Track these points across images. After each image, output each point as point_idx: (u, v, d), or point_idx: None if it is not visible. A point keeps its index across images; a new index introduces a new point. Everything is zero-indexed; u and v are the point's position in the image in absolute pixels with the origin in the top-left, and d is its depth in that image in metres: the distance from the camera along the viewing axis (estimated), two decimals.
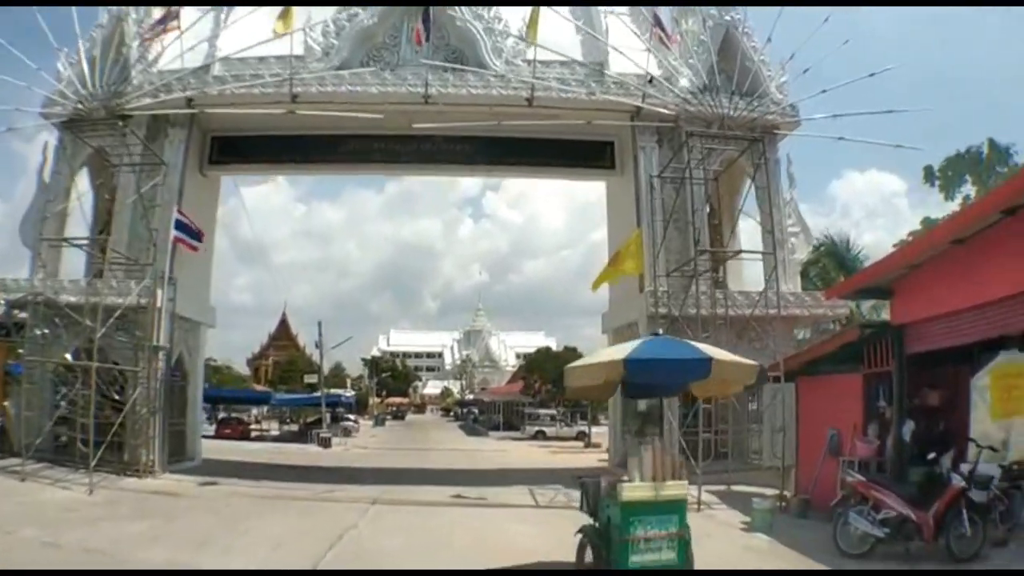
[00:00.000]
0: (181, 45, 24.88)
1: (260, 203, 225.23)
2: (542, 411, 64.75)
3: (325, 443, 46.83)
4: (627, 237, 24.01)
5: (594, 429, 55.75)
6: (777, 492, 18.63)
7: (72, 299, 23.27)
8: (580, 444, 53.16)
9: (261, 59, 25.52)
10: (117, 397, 23.30)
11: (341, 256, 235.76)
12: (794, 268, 25.47)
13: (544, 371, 66.11)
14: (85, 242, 24.57)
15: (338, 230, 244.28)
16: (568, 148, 27.47)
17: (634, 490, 9.74)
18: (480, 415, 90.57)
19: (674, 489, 9.88)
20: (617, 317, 27.31)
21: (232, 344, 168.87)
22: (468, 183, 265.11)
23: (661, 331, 13.50)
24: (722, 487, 20.59)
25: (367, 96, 24.67)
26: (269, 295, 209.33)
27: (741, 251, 23.90)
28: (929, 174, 31.75)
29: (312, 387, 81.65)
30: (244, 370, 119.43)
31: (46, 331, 23.44)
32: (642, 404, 24.09)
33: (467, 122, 25.20)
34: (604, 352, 10.71)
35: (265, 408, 69.29)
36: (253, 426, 63.28)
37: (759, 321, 22.87)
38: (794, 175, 25.44)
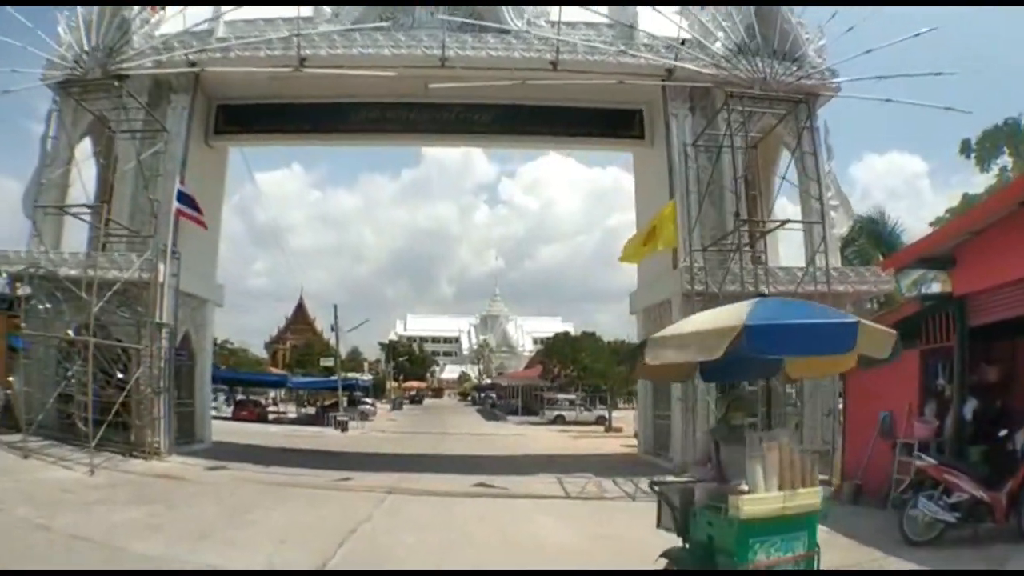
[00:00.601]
0: (184, 12, 23.50)
1: (275, 189, 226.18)
2: (561, 396, 63.53)
3: (342, 426, 45.98)
4: (657, 211, 22.37)
5: (614, 414, 54.60)
6: (823, 477, 16.99)
7: (72, 272, 21.83)
8: (601, 428, 51.96)
9: (268, 21, 23.87)
10: (120, 375, 22.04)
11: (357, 241, 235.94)
12: (835, 243, 23.64)
13: (563, 355, 65.22)
14: (83, 210, 22.78)
15: (353, 216, 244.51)
16: (594, 116, 25.73)
17: (758, 502, 6.71)
18: (498, 400, 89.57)
19: (806, 498, 7.02)
20: (648, 296, 25.60)
21: (250, 327, 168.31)
22: (483, 169, 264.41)
23: (767, 293, 11.36)
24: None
25: (379, 58, 22.89)
26: (286, 280, 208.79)
27: (787, 220, 21.98)
28: (966, 146, 30.37)
29: (329, 370, 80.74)
30: (262, 353, 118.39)
31: (48, 305, 22.14)
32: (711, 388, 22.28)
33: (488, 77, 23.28)
34: (698, 319, 7.37)
35: (283, 391, 67.80)
36: (271, 409, 62.80)
37: (801, 299, 21.01)
38: (832, 146, 23.47)
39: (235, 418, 52.25)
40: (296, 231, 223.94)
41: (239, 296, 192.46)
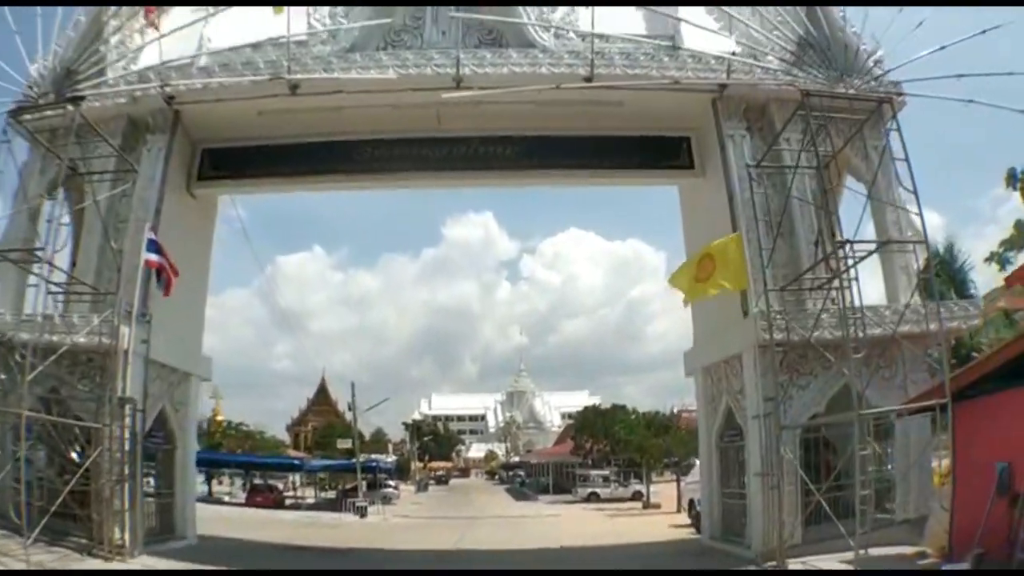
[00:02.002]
0: (160, 46, 20.03)
1: (296, 271, 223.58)
2: (594, 472, 60.33)
3: (361, 512, 42.77)
4: (703, 247, 18.60)
5: (652, 487, 51.29)
6: (917, 549, 14.81)
7: (24, 336, 17.82)
8: (638, 505, 49.19)
9: (255, 46, 20.25)
10: (76, 458, 18.05)
11: (380, 322, 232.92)
12: (912, 276, 19.56)
13: (594, 430, 61.79)
14: (29, 259, 18.63)
15: (376, 296, 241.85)
16: (634, 145, 21.72)
17: None
18: (527, 478, 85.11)
19: None
20: (709, 352, 21.29)
21: (275, 410, 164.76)
22: (504, 246, 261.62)
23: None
24: (847, 554, 15.17)
25: (384, 81, 19.25)
26: (310, 362, 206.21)
27: (888, 241, 17.66)
28: (1012, 177, 27.26)
29: (350, 452, 77.71)
30: (284, 436, 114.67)
31: (1, 376, 18.42)
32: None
33: (509, 106, 19.89)
34: None
35: (303, 475, 64.03)
36: (289, 494, 59.65)
37: (886, 343, 17.17)
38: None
39: (249, 504, 49.63)
40: (319, 313, 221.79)
41: (263, 379, 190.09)
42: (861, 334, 16.83)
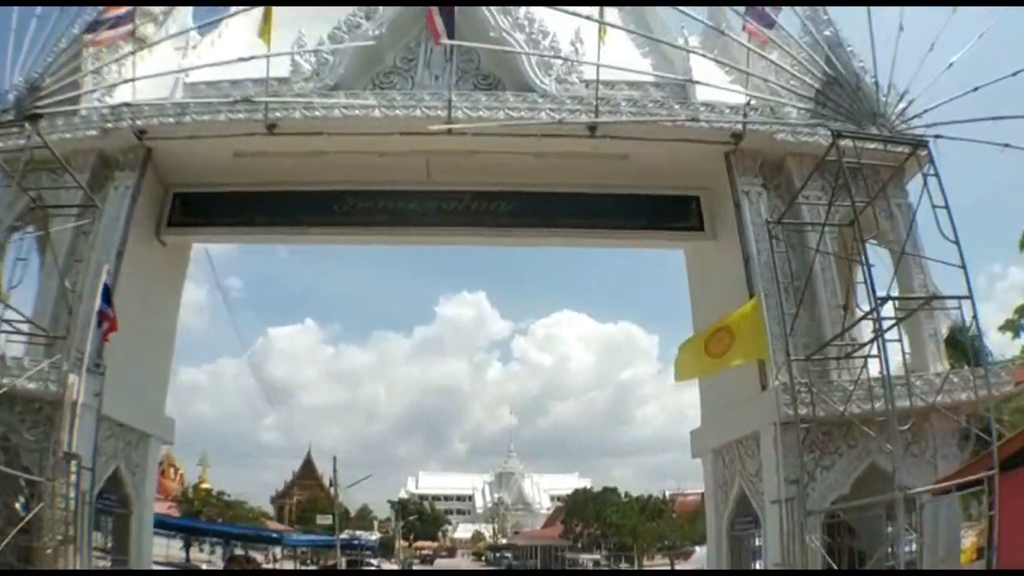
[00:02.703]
0: (134, 85, 18.30)
1: (288, 344, 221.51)
2: (583, 556, 57.86)
3: None
4: (718, 315, 16.69)
5: None
6: None
7: None
8: None
9: (235, 82, 18.75)
10: (20, 511, 15.95)
11: (369, 399, 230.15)
12: (940, 343, 17.65)
13: (585, 513, 59.39)
14: None
15: (367, 373, 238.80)
16: (639, 204, 19.70)
17: None
18: (514, 560, 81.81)
19: None
20: (720, 431, 18.90)
21: (261, 482, 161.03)
22: (497, 326, 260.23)
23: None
24: None
25: (368, 123, 17.53)
26: (298, 436, 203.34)
27: (933, 297, 15.52)
28: None
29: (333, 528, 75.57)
30: (269, 508, 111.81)
31: None
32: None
33: (504, 157, 18.28)
34: None
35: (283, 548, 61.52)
36: (268, 566, 58.21)
37: (913, 416, 14.91)
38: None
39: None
40: (309, 387, 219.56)
41: (251, 449, 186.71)
42: (890, 406, 14.94)
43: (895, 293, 15.44)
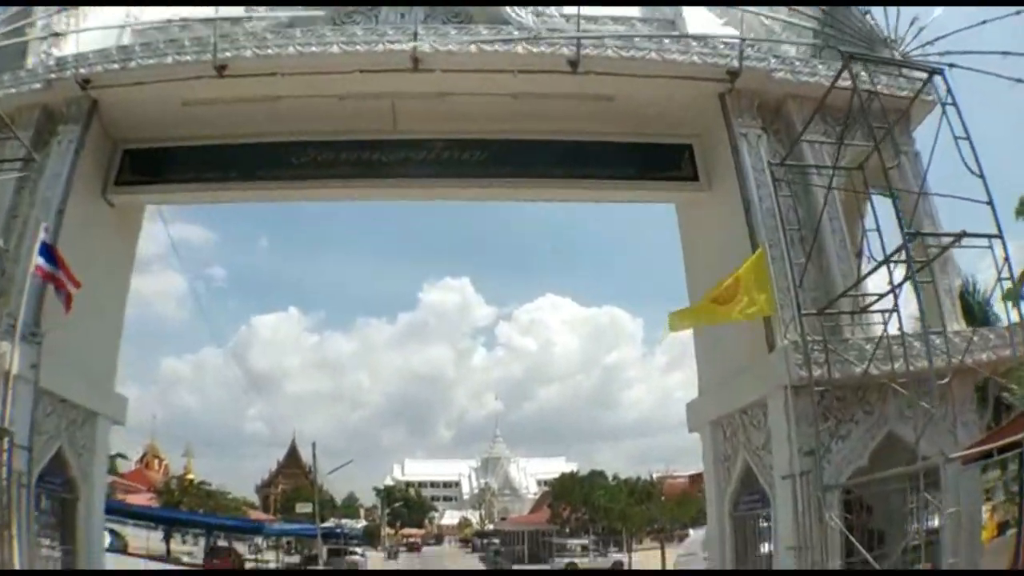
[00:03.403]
0: (78, 37, 17.16)
1: (271, 332, 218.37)
2: (571, 540, 56.09)
3: None
4: (721, 270, 14.76)
5: (634, 556, 47.82)
6: None
7: None
8: None
9: (184, 24, 17.00)
10: None
11: (353, 386, 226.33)
12: (955, 300, 16.10)
13: (572, 498, 58.66)
14: None
15: (351, 360, 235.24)
16: (626, 153, 17.87)
17: None
18: (502, 547, 79.97)
19: None
20: (720, 401, 17.02)
21: (247, 472, 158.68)
22: (481, 312, 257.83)
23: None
24: None
25: (326, 61, 15.71)
26: (283, 425, 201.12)
27: (963, 234, 13.62)
28: None
29: (321, 518, 73.93)
30: (255, 498, 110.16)
31: None
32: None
33: (478, 100, 16.58)
34: None
35: (270, 538, 59.79)
36: (251, 557, 56.04)
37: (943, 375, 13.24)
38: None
39: (206, 566, 47.00)
40: (293, 375, 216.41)
41: (236, 440, 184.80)
42: (912, 367, 13.26)
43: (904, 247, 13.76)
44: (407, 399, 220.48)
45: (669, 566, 37.34)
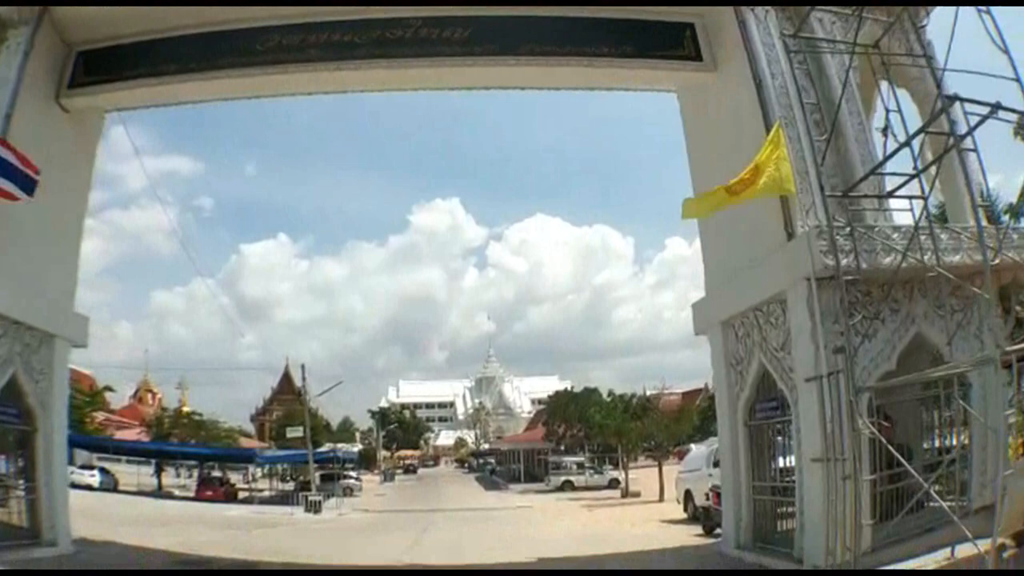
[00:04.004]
0: None
1: (261, 260, 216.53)
2: (567, 458, 55.63)
3: (315, 508, 37.66)
4: (725, 163, 13.33)
5: (631, 474, 46.19)
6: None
7: None
8: (616, 494, 44.85)
9: None
10: None
11: (346, 311, 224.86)
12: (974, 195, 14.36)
13: (567, 414, 57.20)
14: None
15: (342, 285, 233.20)
16: (624, 30, 16.03)
17: None
18: (498, 466, 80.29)
19: None
20: (731, 298, 15.36)
21: (242, 401, 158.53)
22: (472, 233, 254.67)
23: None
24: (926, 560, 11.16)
25: None
26: (277, 353, 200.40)
27: (998, 107, 11.79)
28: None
29: (315, 442, 72.63)
30: (250, 427, 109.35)
31: None
32: None
33: None
34: None
35: (264, 466, 58.69)
36: (245, 486, 54.66)
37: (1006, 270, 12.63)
38: None
39: (199, 498, 45.02)
40: (285, 303, 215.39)
41: (230, 370, 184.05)
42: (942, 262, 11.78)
43: (919, 136, 12.03)
44: (400, 322, 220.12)
45: (668, 484, 36.13)
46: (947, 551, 11.19)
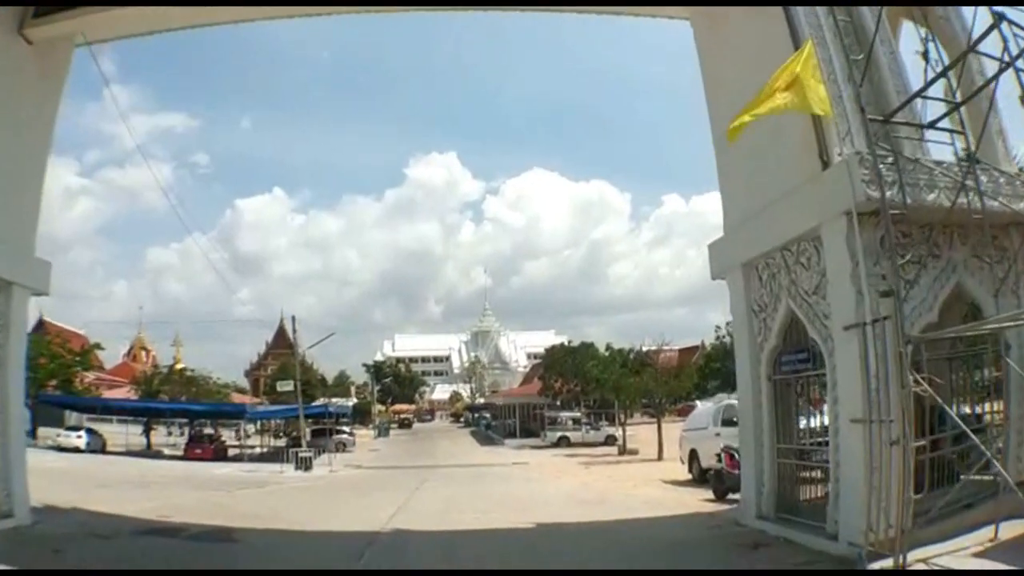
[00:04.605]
0: None
1: (256, 216, 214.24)
2: (563, 414, 54.72)
3: (305, 465, 36.48)
4: (747, 96, 10.99)
5: (628, 431, 45.58)
6: None
7: None
8: (613, 451, 44.09)
9: None
10: None
11: (342, 265, 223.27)
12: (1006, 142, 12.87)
13: (564, 368, 56.63)
14: None
15: (338, 239, 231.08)
16: None
17: None
18: (493, 420, 78.84)
19: None
20: (756, 237, 13.37)
21: (237, 357, 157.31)
22: (468, 187, 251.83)
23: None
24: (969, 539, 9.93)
25: None
26: (274, 308, 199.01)
27: None
28: None
29: (308, 396, 71.68)
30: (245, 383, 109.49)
31: None
32: None
33: None
34: None
35: (256, 421, 57.53)
36: (235, 444, 53.35)
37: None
38: None
39: (188, 456, 43.67)
40: (281, 257, 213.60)
41: (226, 325, 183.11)
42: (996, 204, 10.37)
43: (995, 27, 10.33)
44: (397, 276, 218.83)
45: (667, 442, 34.96)
46: (989, 530, 9.88)
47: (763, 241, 12.84)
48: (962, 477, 10.26)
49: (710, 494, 19.03)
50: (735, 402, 22.79)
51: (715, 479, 18.54)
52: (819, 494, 11.99)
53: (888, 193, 10.17)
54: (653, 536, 13.22)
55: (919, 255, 10.81)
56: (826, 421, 11.73)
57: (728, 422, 21.80)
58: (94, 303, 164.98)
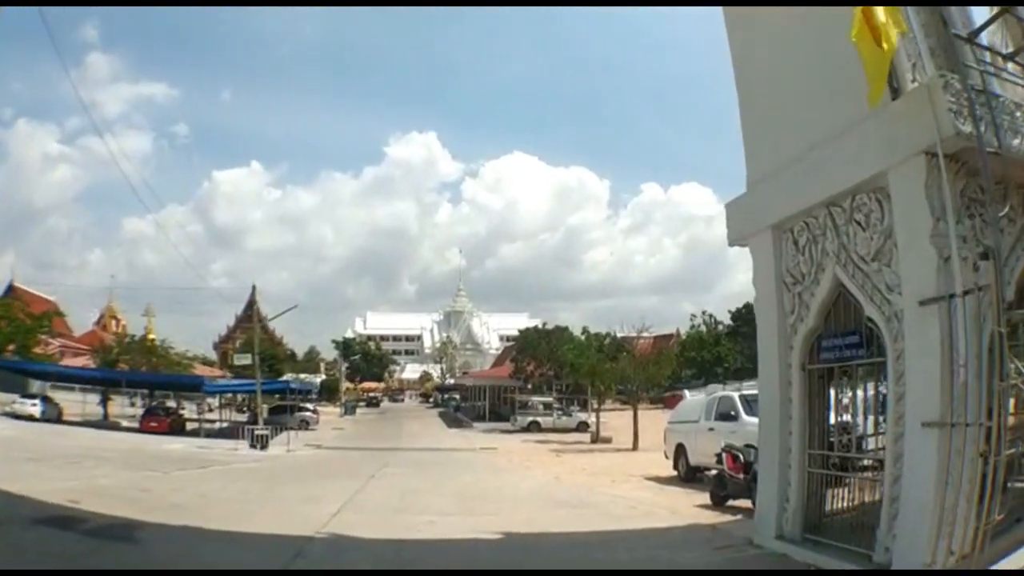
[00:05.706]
0: None
1: (233, 189, 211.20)
2: (535, 398, 53.04)
3: (261, 443, 34.17)
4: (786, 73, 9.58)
5: (601, 416, 43.77)
6: None
7: None
8: (585, 438, 42.01)
9: None
10: None
11: (317, 241, 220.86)
12: None
13: (537, 352, 55.28)
14: None
15: (314, 215, 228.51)
16: None
17: None
18: (462, 402, 76.51)
19: None
20: (791, 192, 10.19)
21: (209, 329, 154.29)
22: (447, 168, 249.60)
23: None
24: None
25: None
26: (247, 282, 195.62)
27: None
28: None
29: (276, 371, 69.15)
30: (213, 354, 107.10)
31: None
32: None
33: None
34: None
35: (217, 395, 54.86)
36: (198, 417, 49.93)
37: None
38: None
39: (143, 429, 41.51)
40: (256, 231, 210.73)
41: (197, 298, 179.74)
42: None
43: None
44: (371, 253, 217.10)
45: (643, 432, 32.64)
46: None
47: (801, 196, 9.87)
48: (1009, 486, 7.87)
49: (700, 496, 16.40)
50: (732, 394, 20.30)
51: (714, 483, 15.76)
52: (854, 511, 9.36)
53: (984, 126, 7.54)
54: (650, 558, 10.38)
55: (995, 215, 8.16)
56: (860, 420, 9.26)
57: (724, 416, 19.20)
58: (70, 271, 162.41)
